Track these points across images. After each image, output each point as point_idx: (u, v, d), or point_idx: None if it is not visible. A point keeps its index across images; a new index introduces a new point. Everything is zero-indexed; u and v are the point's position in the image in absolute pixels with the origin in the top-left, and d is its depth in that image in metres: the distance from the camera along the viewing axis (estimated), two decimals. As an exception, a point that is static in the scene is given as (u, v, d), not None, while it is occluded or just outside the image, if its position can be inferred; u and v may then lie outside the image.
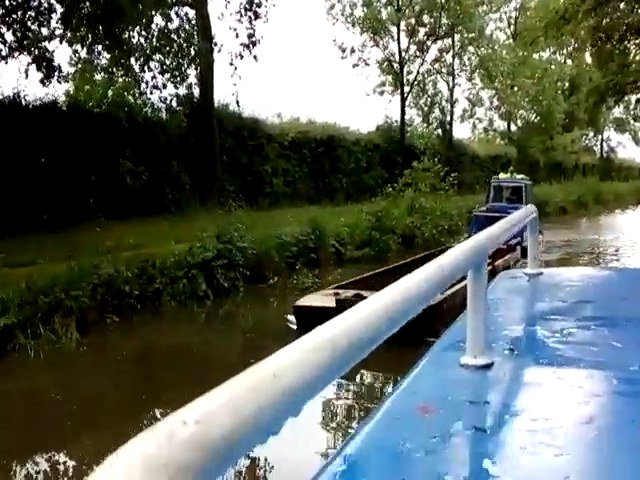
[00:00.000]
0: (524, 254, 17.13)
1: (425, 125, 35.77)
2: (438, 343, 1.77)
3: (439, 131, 35.88)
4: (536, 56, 43.12)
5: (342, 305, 8.15)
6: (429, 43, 30.27)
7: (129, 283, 10.01)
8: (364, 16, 29.36)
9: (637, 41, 26.44)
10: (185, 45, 16.12)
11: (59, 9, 14.64)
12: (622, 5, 25.02)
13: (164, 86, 15.29)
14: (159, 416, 7.19)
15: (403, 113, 29.58)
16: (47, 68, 14.00)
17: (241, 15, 16.90)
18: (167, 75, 15.27)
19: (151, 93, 15.38)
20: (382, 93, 35.64)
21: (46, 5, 14.70)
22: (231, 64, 16.66)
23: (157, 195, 15.12)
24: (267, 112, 21.85)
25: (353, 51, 29.96)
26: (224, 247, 12.66)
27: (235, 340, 10.49)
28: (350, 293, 8.83)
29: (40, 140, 12.78)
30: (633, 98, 47.38)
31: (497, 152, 41.20)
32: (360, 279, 10.92)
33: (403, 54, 30.18)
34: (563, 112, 45.46)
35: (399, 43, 29.57)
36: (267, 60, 54.65)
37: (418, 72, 30.94)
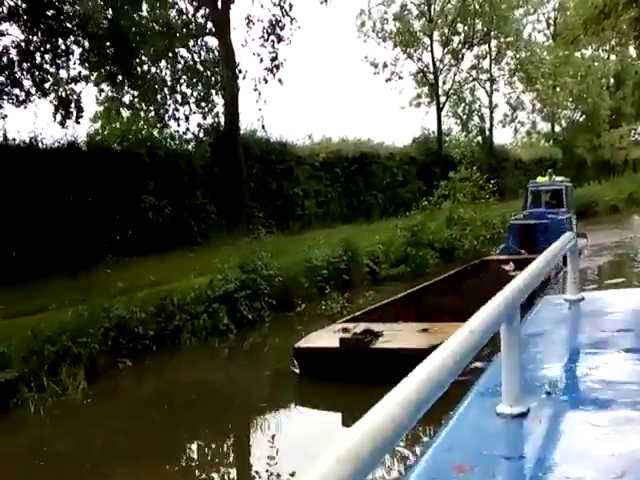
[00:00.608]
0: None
1: (464, 134, 35.06)
2: (475, 388, 1.74)
3: (479, 138, 35.11)
4: (578, 54, 42.08)
5: (346, 346, 7.70)
6: (464, 51, 29.59)
7: (145, 323, 9.74)
8: (396, 30, 28.96)
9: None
10: (209, 75, 15.97)
11: (77, 50, 14.73)
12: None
13: (186, 118, 15.16)
14: (174, 463, 6.85)
15: (440, 123, 28.97)
16: (67, 109, 13.98)
17: (264, 40, 16.75)
18: (191, 106, 15.13)
19: (178, 125, 15.27)
20: (418, 105, 35.14)
21: (63, 47, 14.78)
22: (255, 89, 16.52)
23: (182, 228, 14.94)
24: (297, 134, 21.57)
25: (386, 66, 29.59)
26: (247, 277, 12.34)
27: (258, 375, 10.09)
28: (360, 328, 8.29)
29: (59, 183, 12.74)
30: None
31: (541, 155, 40.11)
32: (375, 308, 10.38)
33: (438, 64, 29.60)
34: (609, 108, 44.09)
35: (432, 54, 29.05)
36: (297, 82, 55.04)
37: (454, 81, 30.27)
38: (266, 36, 16.67)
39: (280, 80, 17.22)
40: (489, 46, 32.82)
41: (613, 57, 49.17)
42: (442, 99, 30.62)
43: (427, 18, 28.12)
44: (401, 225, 18.11)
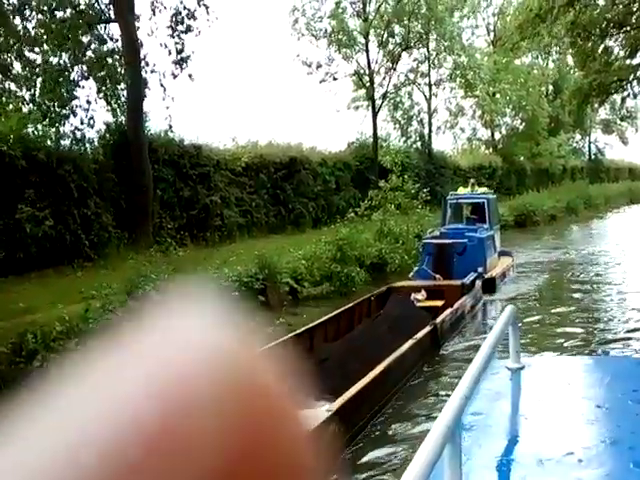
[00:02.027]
0: (489, 287, 14.00)
1: (403, 139, 33.85)
2: None
3: (418, 144, 33.96)
4: (518, 62, 41.60)
5: None
6: (400, 52, 28.24)
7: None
8: (331, 29, 27.40)
9: (619, 37, 24.53)
10: (106, 66, 14.02)
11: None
12: (601, 1, 23.15)
13: (73, 114, 13.17)
14: None
15: (375, 128, 27.55)
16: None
17: (173, 29, 14.89)
18: (82, 101, 13.18)
19: (61, 124, 13.26)
20: (357, 109, 33.75)
21: None
22: (161, 85, 14.66)
23: (70, 242, 12.95)
24: (220, 137, 19.80)
25: (319, 66, 27.96)
26: (135, 304, 10.48)
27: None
28: None
29: None
30: (618, 98, 45.96)
31: (481, 162, 39.37)
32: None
33: (373, 66, 28.19)
34: (548, 116, 43.82)
35: (368, 54, 27.59)
36: (224, 82, 52.55)
37: (388, 83, 28.90)
38: (173, 25, 14.84)
39: (190, 75, 15.47)
40: (427, 49, 31.69)
41: (552, 65, 49.18)
42: (379, 102, 29.25)
43: (362, 17, 26.65)
44: (325, 239, 16.48)
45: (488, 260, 14.72)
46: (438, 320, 9.76)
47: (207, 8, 15.88)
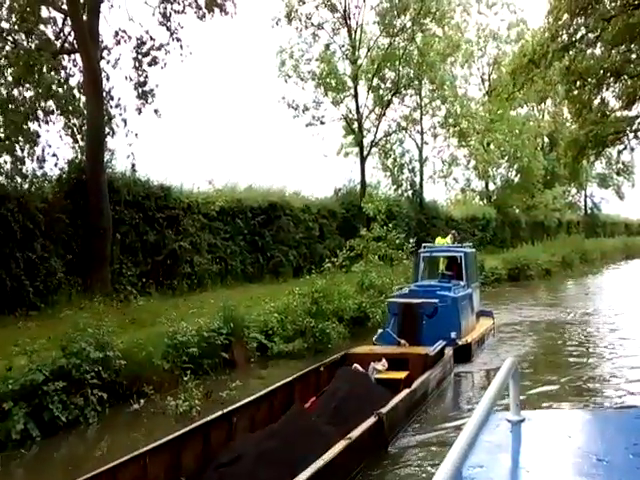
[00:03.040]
0: (464, 355, 12.18)
1: (394, 187, 32.86)
2: None
3: (409, 193, 32.97)
4: (513, 113, 41.10)
5: None
6: (390, 97, 27.43)
7: None
8: (320, 72, 26.64)
9: (615, 86, 23.78)
10: (66, 99, 12.95)
11: None
12: (598, 51, 22.42)
13: (20, 149, 12.02)
14: None
15: (363, 174, 26.54)
16: None
17: (136, 61, 13.88)
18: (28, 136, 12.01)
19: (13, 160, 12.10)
20: (347, 155, 32.84)
21: None
22: (122, 120, 13.56)
23: (12, 288, 11.66)
24: (194, 180, 18.61)
25: (307, 109, 27.10)
26: (67, 362, 9.16)
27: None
28: None
29: None
30: (615, 152, 45.35)
31: (475, 213, 38.41)
32: (203, 424, 7.17)
33: (362, 110, 27.34)
34: (543, 169, 43.16)
35: (357, 99, 26.76)
36: (207, 125, 51.46)
37: (377, 129, 28.02)
38: (138, 56, 13.84)
39: (156, 111, 14.43)
40: (419, 96, 31.00)
41: (548, 117, 48.74)
42: (373, 149, 28.40)
43: (351, 60, 25.88)
44: (300, 290, 15.19)
45: (463, 323, 12.93)
46: (385, 409, 7.44)
47: (180, 41, 14.98)
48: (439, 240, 16.75)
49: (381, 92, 27.46)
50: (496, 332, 15.44)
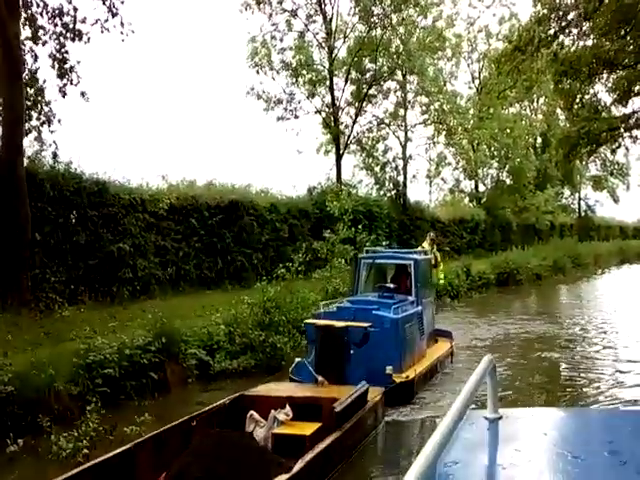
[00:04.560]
0: (403, 395, 9.41)
1: (377, 187, 31.12)
2: None
3: (392, 193, 31.21)
4: (505, 112, 39.52)
5: None
6: (366, 90, 25.65)
7: None
8: (296, 62, 24.85)
9: (609, 78, 22.07)
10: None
11: None
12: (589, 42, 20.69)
13: None
14: None
15: (339, 172, 24.74)
16: None
17: (57, 35, 12.09)
18: None
19: None
20: (327, 153, 31.04)
21: None
22: (35, 102, 11.75)
23: None
24: (147, 175, 16.84)
25: (279, 102, 25.31)
26: None
27: None
28: None
29: None
30: (608, 151, 43.73)
31: (463, 215, 36.68)
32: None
33: (339, 102, 25.57)
34: (535, 169, 41.54)
35: (332, 89, 24.97)
36: (170, 119, 48.99)
37: (354, 123, 26.20)
38: (54, 28, 12.07)
39: (83, 94, 12.65)
40: (403, 90, 29.26)
41: (540, 117, 47.11)
42: (352, 147, 26.66)
43: (326, 47, 24.09)
44: (249, 299, 13.42)
45: (406, 352, 10.24)
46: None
47: (113, 15, 13.12)
48: (425, 245, 14.70)
49: (359, 84, 25.67)
50: (454, 358, 12.76)
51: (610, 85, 23.23)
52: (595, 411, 5.42)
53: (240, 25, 46.25)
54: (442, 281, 15.37)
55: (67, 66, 12.33)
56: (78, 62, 12.44)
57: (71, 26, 12.15)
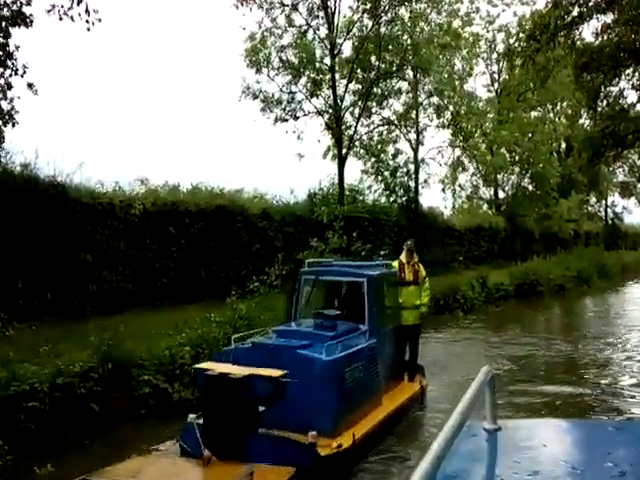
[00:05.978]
0: (331, 473, 6.43)
1: (387, 193, 29.34)
2: None
3: (403, 199, 29.42)
4: (526, 116, 37.64)
5: None
6: (371, 84, 23.96)
7: None
8: (298, 60, 23.30)
9: (636, 71, 20.14)
10: None
11: None
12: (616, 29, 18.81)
13: None
14: None
15: (342, 176, 23.02)
16: None
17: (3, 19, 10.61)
18: None
19: None
20: (335, 158, 29.36)
21: None
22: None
23: None
24: (126, 178, 15.31)
25: (279, 102, 23.74)
26: None
27: None
28: None
29: None
30: (636, 157, 41.53)
31: (480, 223, 34.81)
32: None
33: (343, 101, 23.92)
34: (559, 175, 39.43)
35: (334, 90, 23.33)
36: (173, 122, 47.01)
37: (357, 123, 24.49)
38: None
39: (31, 85, 11.16)
40: (415, 90, 27.54)
41: (564, 120, 45.08)
42: (351, 147, 24.96)
43: (328, 40, 22.46)
44: (218, 317, 11.78)
45: (345, 407, 7.41)
46: None
47: (78, 2, 11.66)
48: (402, 257, 11.59)
49: (363, 81, 24.00)
50: (423, 403, 9.88)
51: (636, 81, 21.39)
52: (594, 422, 5.25)
53: (231, 21, 44.10)
54: (424, 306, 10.54)
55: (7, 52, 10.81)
56: (17, 47, 10.95)
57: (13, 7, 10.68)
